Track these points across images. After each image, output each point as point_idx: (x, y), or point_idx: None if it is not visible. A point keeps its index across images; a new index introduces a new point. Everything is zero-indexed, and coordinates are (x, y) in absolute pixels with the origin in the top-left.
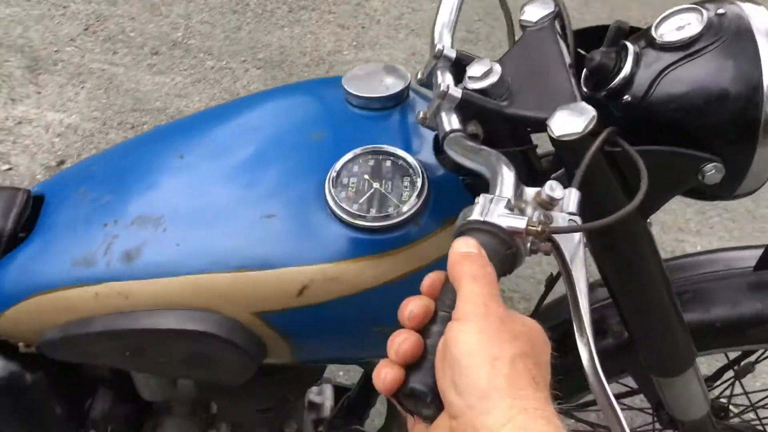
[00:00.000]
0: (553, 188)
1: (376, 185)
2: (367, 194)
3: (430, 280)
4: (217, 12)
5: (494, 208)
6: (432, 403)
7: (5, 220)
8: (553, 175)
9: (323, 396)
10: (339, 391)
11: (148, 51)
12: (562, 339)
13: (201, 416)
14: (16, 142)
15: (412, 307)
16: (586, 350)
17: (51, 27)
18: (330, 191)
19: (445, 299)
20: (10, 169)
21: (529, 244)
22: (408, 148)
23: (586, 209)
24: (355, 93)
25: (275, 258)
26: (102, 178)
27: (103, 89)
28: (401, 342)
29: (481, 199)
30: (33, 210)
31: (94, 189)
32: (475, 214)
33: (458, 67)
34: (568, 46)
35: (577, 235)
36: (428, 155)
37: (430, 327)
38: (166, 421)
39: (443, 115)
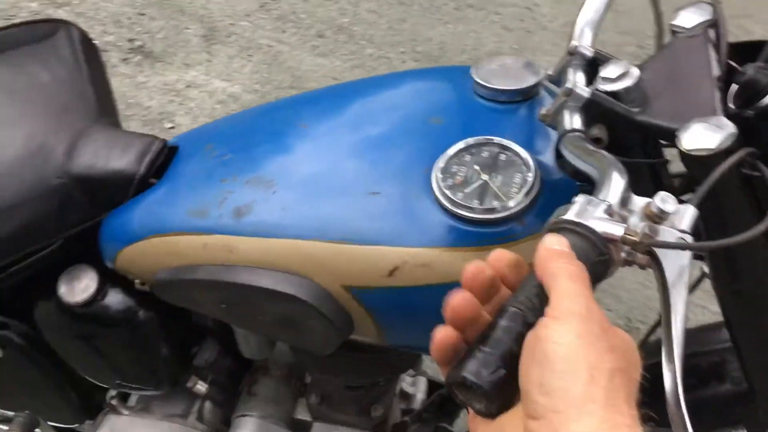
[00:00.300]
0: (664, 200)
1: (485, 177)
2: (474, 185)
3: (475, 269)
4: (385, 2)
5: (591, 210)
6: (484, 397)
7: (139, 164)
8: (683, 196)
9: (416, 388)
10: (433, 385)
11: (314, 33)
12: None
13: (295, 383)
14: (183, 103)
15: (470, 267)
16: (670, 378)
17: (231, 1)
18: (437, 177)
19: (520, 295)
20: (173, 127)
21: (624, 254)
22: (526, 145)
23: (705, 234)
24: (482, 83)
25: (372, 235)
26: (229, 137)
27: (267, 64)
28: (455, 296)
29: (580, 199)
30: (167, 159)
31: (220, 146)
32: (570, 213)
33: (593, 68)
34: (719, 57)
35: (685, 257)
36: (548, 157)
37: (497, 320)
38: (261, 379)
39: (566, 113)
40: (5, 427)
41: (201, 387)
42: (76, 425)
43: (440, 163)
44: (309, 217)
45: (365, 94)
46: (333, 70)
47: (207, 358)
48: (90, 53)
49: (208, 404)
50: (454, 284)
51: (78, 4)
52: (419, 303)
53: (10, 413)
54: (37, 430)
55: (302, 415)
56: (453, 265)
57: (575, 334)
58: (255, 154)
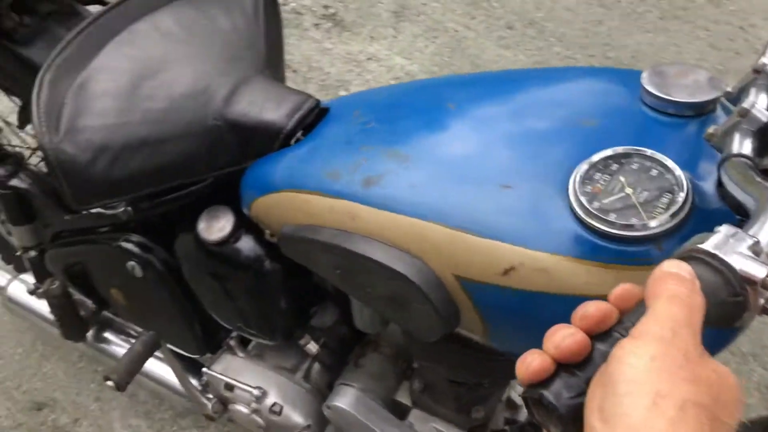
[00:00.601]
0: None
1: (629, 190)
2: (615, 197)
3: (623, 290)
4: (585, 2)
5: (734, 245)
6: (559, 421)
7: (288, 119)
8: None
9: None
10: None
11: (503, 24)
12: None
13: (401, 365)
14: (360, 74)
15: (592, 309)
16: None
17: None
18: (575, 181)
19: (627, 321)
20: None
21: (764, 301)
22: (684, 165)
23: None
24: (651, 91)
25: (494, 228)
26: (377, 106)
27: (450, 48)
28: (566, 336)
29: (723, 229)
30: (316, 119)
31: (367, 114)
32: (708, 243)
33: None
34: None
35: None
36: (707, 182)
37: (595, 343)
38: (370, 354)
39: (736, 135)
40: (130, 341)
41: (312, 347)
42: (195, 355)
43: (583, 167)
44: (434, 199)
45: (519, 85)
46: (515, 63)
47: (323, 321)
48: (271, 8)
49: (316, 365)
50: (570, 297)
51: None
52: (530, 309)
53: (137, 329)
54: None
55: (403, 398)
56: (573, 277)
57: (649, 357)
58: (397, 126)
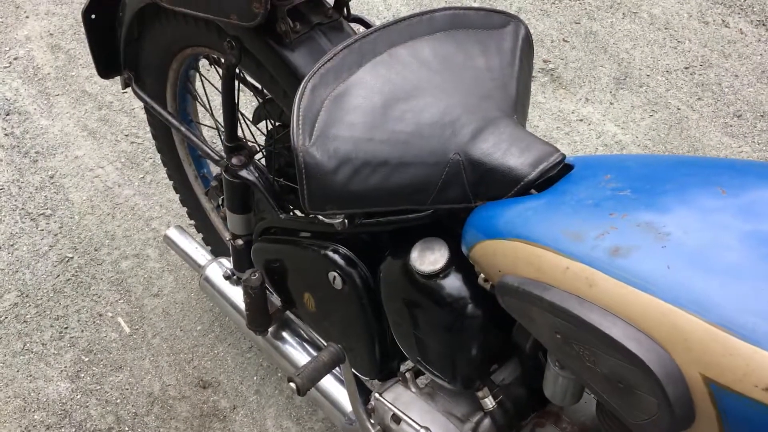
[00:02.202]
0: None
1: None
2: None
3: None
4: None
5: None
6: None
7: (532, 168)
8: None
9: None
10: None
11: (732, 111)
12: None
13: None
14: (568, 134)
15: None
16: None
17: (656, 54)
18: None
19: None
20: None
21: None
22: None
23: None
24: None
25: (764, 336)
26: (632, 174)
27: (668, 126)
28: None
29: None
30: (558, 174)
31: (620, 180)
32: None
33: None
34: None
35: None
36: None
37: None
38: (549, 426)
39: None
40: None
41: (489, 402)
42: (365, 377)
43: None
44: (693, 287)
45: None
46: (739, 154)
47: (504, 378)
48: (527, 53)
49: (487, 421)
50: None
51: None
52: None
53: (318, 338)
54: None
55: None
56: None
57: None
58: (657, 200)
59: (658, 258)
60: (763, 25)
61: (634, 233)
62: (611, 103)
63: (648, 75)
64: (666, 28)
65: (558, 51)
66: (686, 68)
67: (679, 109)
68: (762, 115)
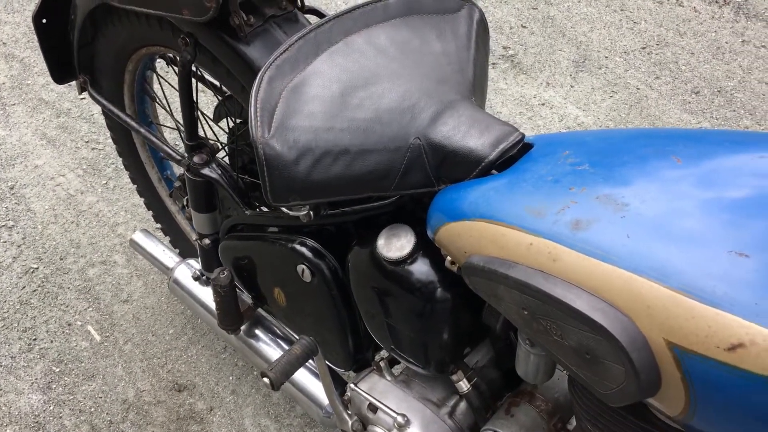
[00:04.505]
0: None
1: None
2: None
3: None
4: None
5: None
6: None
7: (492, 149)
8: None
9: None
10: None
11: (689, 88)
12: None
13: (556, 424)
14: (531, 119)
15: None
16: None
17: (614, 35)
18: None
19: None
20: None
21: None
22: None
23: None
24: None
25: (724, 298)
26: (590, 149)
27: (629, 105)
28: None
29: None
30: (518, 153)
31: (578, 155)
32: None
33: None
34: None
35: None
36: None
37: None
38: (524, 405)
39: None
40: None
41: (464, 385)
42: (340, 369)
43: None
44: (653, 255)
45: (756, 149)
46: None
47: (478, 361)
48: (482, 37)
49: (463, 404)
50: None
51: None
52: (754, 394)
53: (291, 333)
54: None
55: None
56: None
57: None
58: (615, 172)
59: (617, 228)
60: (716, 2)
61: (593, 206)
62: (572, 86)
63: (606, 57)
64: (622, 10)
65: (517, 37)
66: (643, 48)
67: (638, 88)
68: (719, 91)
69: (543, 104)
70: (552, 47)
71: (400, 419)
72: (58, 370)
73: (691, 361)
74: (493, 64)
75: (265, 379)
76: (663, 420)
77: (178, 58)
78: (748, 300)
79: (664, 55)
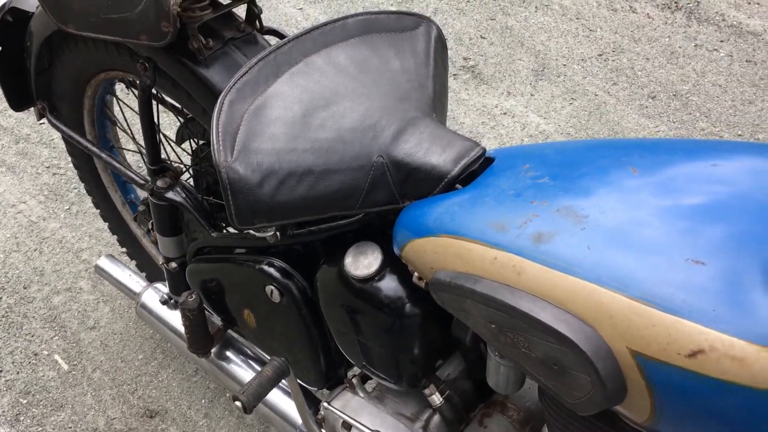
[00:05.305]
0: None
1: None
2: None
3: None
4: (735, 80)
5: None
6: None
7: (454, 165)
8: None
9: None
10: None
11: (646, 93)
12: None
13: None
14: (494, 128)
15: None
16: None
17: (571, 44)
18: None
19: None
20: None
21: None
22: None
23: None
24: None
25: (682, 305)
26: (550, 162)
27: (588, 112)
28: None
29: None
30: (480, 167)
31: (539, 169)
32: None
33: None
34: None
35: None
36: None
37: None
38: (496, 415)
39: None
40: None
41: (436, 399)
42: (313, 388)
43: None
44: (614, 265)
45: (710, 156)
46: (656, 134)
47: (449, 374)
48: (440, 53)
49: (437, 418)
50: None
51: (432, 16)
52: (715, 400)
53: (262, 354)
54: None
55: None
56: None
57: None
58: (574, 185)
59: (578, 240)
60: (668, 8)
61: (554, 219)
62: (532, 95)
63: (564, 65)
64: (578, 18)
65: (477, 48)
66: (600, 55)
67: (596, 95)
68: (675, 95)
69: (505, 113)
70: (511, 57)
71: None
72: (25, 401)
73: (654, 369)
74: (454, 75)
75: (237, 403)
76: (632, 426)
77: (137, 82)
78: (706, 306)
79: (620, 61)
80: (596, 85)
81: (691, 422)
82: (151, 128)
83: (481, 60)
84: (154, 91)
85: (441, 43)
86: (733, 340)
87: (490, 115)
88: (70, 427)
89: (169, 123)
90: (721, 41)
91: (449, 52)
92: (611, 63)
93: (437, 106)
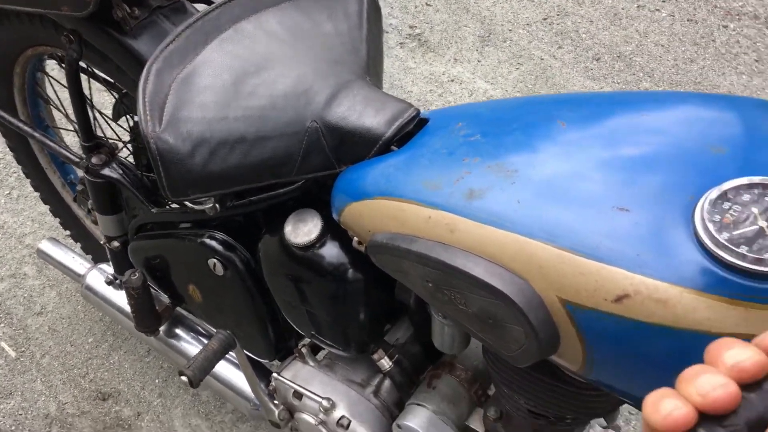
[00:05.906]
0: None
1: (762, 223)
2: (747, 229)
3: None
4: (677, 39)
5: None
6: None
7: (388, 126)
8: None
9: None
10: None
11: (591, 55)
12: None
13: (477, 391)
14: (442, 96)
15: (748, 364)
16: None
17: (515, 8)
18: (703, 208)
19: None
20: None
21: None
22: None
23: None
24: None
25: (608, 252)
26: (481, 120)
27: (534, 76)
28: (717, 386)
29: None
30: (415, 129)
31: (471, 127)
32: None
33: None
34: None
35: None
36: None
37: (744, 394)
38: (445, 376)
39: None
40: (200, 340)
41: (385, 363)
42: (264, 360)
43: (712, 194)
44: (543, 217)
45: (637, 108)
46: None
47: (398, 338)
48: (373, 15)
49: (387, 382)
50: (689, 332)
51: None
52: (641, 342)
53: (212, 330)
54: (232, 352)
55: (475, 425)
56: (694, 311)
57: None
58: (504, 141)
59: (508, 195)
60: None
61: (486, 175)
62: (479, 61)
63: (510, 30)
64: None
65: (423, 15)
66: (545, 19)
67: (542, 59)
68: (618, 56)
69: (452, 80)
70: (457, 24)
71: (325, 403)
72: None
73: (583, 316)
74: (401, 43)
75: (183, 378)
76: (570, 376)
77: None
78: (631, 252)
79: (564, 24)
80: (542, 49)
81: (621, 367)
82: (81, 103)
83: (427, 27)
84: (84, 65)
85: (373, 6)
86: (657, 283)
87: (437, 83)
88: (21, 414)
89: (109, 100)
90: (663, 1)
91: (394, 20)
92: (556, 26)
93: (371, 69)
